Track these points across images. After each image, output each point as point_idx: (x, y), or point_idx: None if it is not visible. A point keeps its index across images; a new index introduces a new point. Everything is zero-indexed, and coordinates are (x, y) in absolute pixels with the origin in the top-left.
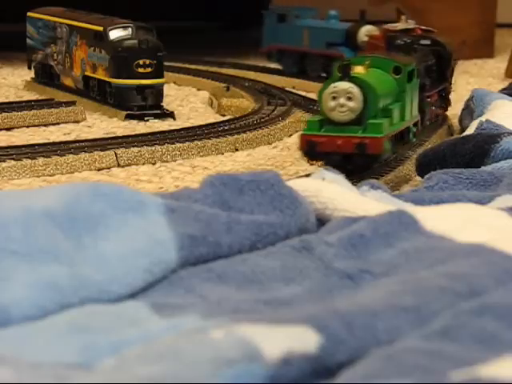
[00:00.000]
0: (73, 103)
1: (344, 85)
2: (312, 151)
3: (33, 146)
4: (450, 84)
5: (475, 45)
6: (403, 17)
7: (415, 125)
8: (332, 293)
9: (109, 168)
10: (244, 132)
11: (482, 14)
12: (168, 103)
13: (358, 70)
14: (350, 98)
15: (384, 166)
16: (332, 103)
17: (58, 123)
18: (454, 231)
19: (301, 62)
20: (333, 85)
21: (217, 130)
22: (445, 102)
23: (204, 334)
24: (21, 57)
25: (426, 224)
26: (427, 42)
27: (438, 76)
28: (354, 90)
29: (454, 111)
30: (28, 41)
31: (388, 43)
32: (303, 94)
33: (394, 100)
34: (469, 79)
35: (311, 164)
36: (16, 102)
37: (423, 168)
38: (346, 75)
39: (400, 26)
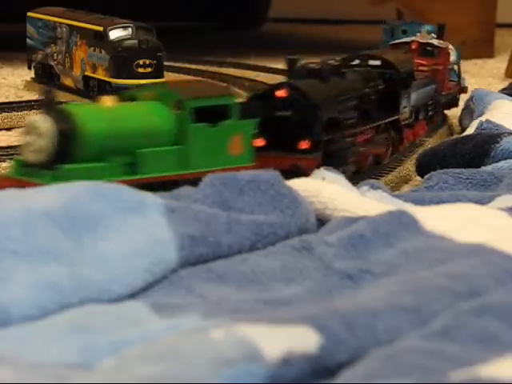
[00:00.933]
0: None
1: (32, 118)
2: None
3: None
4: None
5: (475, 45)
6: (424, 29)
7: None
8: (332, 293)
9: None
10: None
11: (482, 14)
12: None
13: (106, 101)
14: (40, 135)
15: (384, 166)
16: (24, 140)
17: None
18: (454, 231)
19: None
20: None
21: None
22: (393, 139)
23: (204, 334)
24: (21, 57)
25: (426, 224)
26: (377, 62)
27: (386, 106)
28: (42, 124)
29: (454, 111)
30: (28, 41)
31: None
32: None
33: (170, 141)
34: (469, 79)
35: None
36: (16, 102)
37: (423, 168)
38: (49, 107)
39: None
